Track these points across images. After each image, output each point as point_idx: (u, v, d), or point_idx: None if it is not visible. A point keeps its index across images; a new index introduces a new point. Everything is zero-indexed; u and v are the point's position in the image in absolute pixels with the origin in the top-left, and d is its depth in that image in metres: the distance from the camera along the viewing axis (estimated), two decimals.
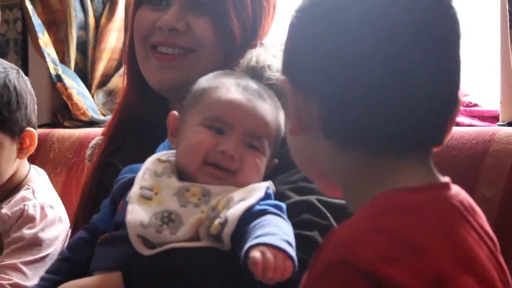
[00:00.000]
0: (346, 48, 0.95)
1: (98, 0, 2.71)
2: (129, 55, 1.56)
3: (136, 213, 1.27)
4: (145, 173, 1.32)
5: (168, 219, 1.25)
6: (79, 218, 1.59)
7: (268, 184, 1.29)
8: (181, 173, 1.31)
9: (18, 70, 1.93)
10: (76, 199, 1.74)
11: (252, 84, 1.33)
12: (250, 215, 1.22)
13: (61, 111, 2.65)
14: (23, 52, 2.91)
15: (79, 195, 1.65)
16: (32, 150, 1.92)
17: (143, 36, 1.50)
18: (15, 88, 1.85)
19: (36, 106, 1.95)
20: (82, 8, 2.69)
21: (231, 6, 1.46)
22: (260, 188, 1.27)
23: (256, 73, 1.36)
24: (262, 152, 1.31)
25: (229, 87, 1.33)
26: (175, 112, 1.37)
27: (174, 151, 1.36)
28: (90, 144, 1.72)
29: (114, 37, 2.67)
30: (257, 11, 1.49)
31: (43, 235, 1.84)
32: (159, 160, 1.34)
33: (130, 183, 1.33)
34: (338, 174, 1.01)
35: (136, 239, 1.25)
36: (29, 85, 1.93)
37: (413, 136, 0.96)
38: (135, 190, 1.29)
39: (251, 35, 1.47)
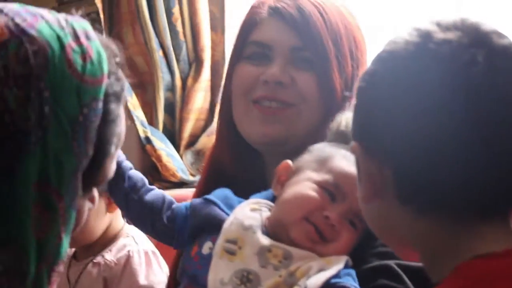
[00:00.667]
0: (423, 113, 0.92)
1: (184, 62, 2.74)
2: (224, 109, 1.56)
3: (218, 269, 1.26)
4: (232, 223, 1.31)
5: (246, 279, 1.24)
6: (173, 276, 1.58)
7: (348, 258, 1.27)
8: (274, 224, 1.30)
9: None
10: (169, 261, 1.76)
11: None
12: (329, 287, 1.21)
13: (151, 173, 2.67)
14: None
15: (173, 259, 1.65)
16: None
17: (245, 90, 1.49)
18: None
19: None
20: (168, 70, 2.74)
21: (334, 62, 1.45)
22: (340, 260, 1.25)
23: (346, 137, 1.35)
24: (358, 231, 1.29)
25: (350, 162, 1.32)
26: (290, 162, 1.36)
27: (267, 201, 1.35)
28: None
29: (201, 98, 2.70)
30: (355, 68, 1.49)
31: (150, 283, 1.89)
32: (251, 208, 1.33)
33: (214, 225, 1.33)
34: (416, 241, 0.97)
35: None
36: None
37: (494, 199, 0.93)
38: (220, 243, 1.29)
39: (350, 91, 1.46)
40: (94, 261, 1.96)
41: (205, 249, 1.33)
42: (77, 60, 0.88)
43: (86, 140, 0.89)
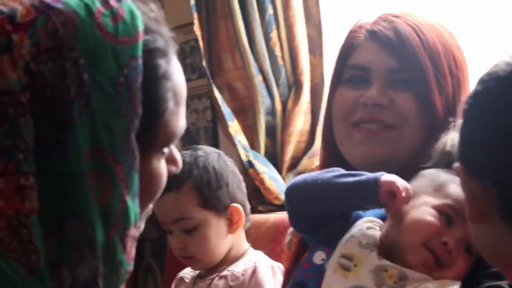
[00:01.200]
0: None
1: (284, 85, 2.77)
2: (326, 132, 1.58)
3: (332, 284, 1.27)
4: (349, 240, 1.31)
5: None
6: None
7: (460, 283, 1.25)
8: (388, 246, 1.29)
9: (219, 153, 2.08)
10: None
11: None
12: None
13: (254, 196, 2.70)
14: (213, 140, 3.01)
15: (283, 280, 1.67)
16: (241, 224, 2.02)
17: (345, 114, 1.51)
18: (214, 169, 1.99)
19: (242, 184, 2.06)
20: (268, 94, 2.76)
21: (433, 81, 1.45)
22: (455, 284, 1.24)
23: (452, 158, 1.34)
24: (473, 258, 1.28)
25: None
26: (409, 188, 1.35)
27: (379, 221, 1.35)
28: (289, 231, 1.73)
29: (301, 120, 2.71)
30: (455, 86, 1.48)
31: None
32: (367, 227, 1.33)
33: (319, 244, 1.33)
34: None
35: None
36: (231, 166, 2.06)
37: None
38: (335, 258, 1.29)
39: (452, 111, 1.45)
40: (220, 275, 2.00)
41: (317, 259, 1.35)
42: (108, 23, 0.88)
43: (132, 100, 0.88)
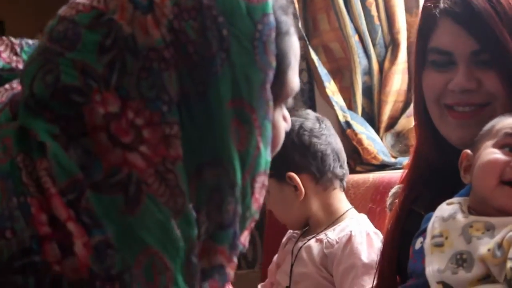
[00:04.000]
0: None
1: (381, 45, 2.75)
2: (419, 111, 1.58)
3: (433, 262, 1.28)
4: (434, 221, 1.33)
5: (461, 260, 1.24)
6: (383, 265, 1.61)
7: None
8: (477, 205, 1.30)
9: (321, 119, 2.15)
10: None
11: None
12: None
13: (352, 157, 2.71)
14: (310, 101, 3.02)
15: (382, 242, 1.68)
16: (302, 191, 2.06)
17: (436, 98, 1.51)
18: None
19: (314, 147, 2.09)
20: (365, 54, 2.76)
21: None
22: None
23: None
24: None
25: None
26: (468, 150, 1.37)
27: (465, 196, 1.35)
28: (390, 193, 1.74)
29: (398, 80, 2.70)
30: None
31: (371, 261, 1.93)
32: (447, 204, 1.34)
33: (420, 233, 1.35)
34: None
35: (436, 286, 1.26)
36: (332, 130, 2.13)
37: None
38: (428, 241, 1.31)
39: None
40: (317, 237, 2.05)
41: (417, 245, 1.37)
42: None
43: (267, 53, 0.93)
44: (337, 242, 2.00)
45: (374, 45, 2.75)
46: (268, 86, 0.94)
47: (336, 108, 2.71)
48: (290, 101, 1.03)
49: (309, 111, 2.18)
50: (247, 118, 0.92)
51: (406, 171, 1.66)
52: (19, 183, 0.86)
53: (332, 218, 2.07)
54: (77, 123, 0.88)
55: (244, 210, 0.94)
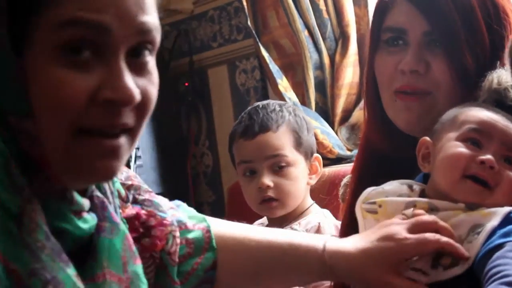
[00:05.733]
0: None
1: (331, 39, 2.76)
2: (370, 95, 1.58)
3: (366, 227, 1.31)
4: (375, 189, 1.35)
5: None
6: None
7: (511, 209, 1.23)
8: (434, 193, 1.30)
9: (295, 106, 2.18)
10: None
11: (499, 111, 1.31)
12: (486, 249, 1.17)
13: None
14: (264, 98, 3.02)
15: (339, 234, 1.67)
16: (317, 177, 2.08)
17: (386, 82, 1.51)
18: (302, 117, 2.10)
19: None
20: (315, 49, 2.76)
21: (464, 44, 1.43)
22: (497, 214, 1.22)
23: (499, 95, 1.33)
24: None
25: (481, 109, 1.31)
26: (427, 138, 1.36)
27: (419, 183, 1.35)
28: (342, 183, 1.74)
29: (350, 73, 2.71)
30: (496, 41, 1.45)
31: None
32: (399, 182, 1.34)
33: None
34: None
35: None
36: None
37: None
38: (359, 204, 1.34)
39: (489, 67, 1.43)
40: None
41: None
42: None
43: None
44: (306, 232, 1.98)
45: (324, 39, 2.75)
46: None
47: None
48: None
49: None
50: None
51: (355, 160, 1.66)
52: None
53: (297, 212, 2.06)
54: None
55: None
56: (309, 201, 2.09)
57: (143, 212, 1.20)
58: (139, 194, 1.22)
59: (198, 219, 1.31)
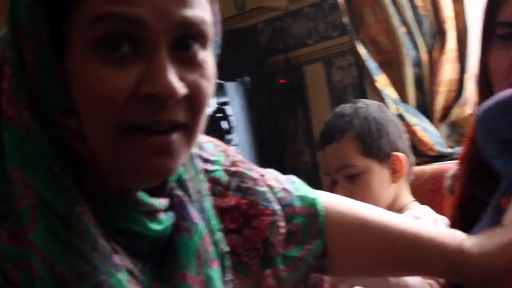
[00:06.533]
0: None
1: (428, 35, 2.75)
2: (482, 92, 1.57)
3: None
4: None
5: None
6: None
7: None
8: None
9: (379, 105, 2.12)
10: None
11: None
12: None
13: None
14: (361, 95, 3.03)
15: (449, 227, 1.68)
16: (404, 173, 2.04)
17: (502, 77, 1.50)
18: (374, 118, 2.03)
19: (404, 134, 2.10)
20: (413, 45, 2.75)
21: None
22: None
23: None
24: None
25: None
26: None
27: None
28: (448, 175, 1.73)
29: (448, 69, 2.69)
30: None
31: None
32: None
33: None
34: None
35: None
36: (391, 116, 2.10)
37: None
38: None
39: None
40: None
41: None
42: None
43: None
44: None
45: (421, 35, 2.74)
46: None
47: (388, 101, 2.71)
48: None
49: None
50: None
51: (462, 159, 1.65)
52: None
53: (400, 206, 2.04)
54: None
55: None
56: (406, 199, 2.07)
57: (243, 201, 1.14)
58: (243, 182, 1.15)
59: (309, 202, 1.21)
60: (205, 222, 1.05)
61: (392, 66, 2.82)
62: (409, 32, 2.75)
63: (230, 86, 3.22)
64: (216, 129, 3.04)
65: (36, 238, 0.86)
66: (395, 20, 2.75)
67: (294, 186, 1.21)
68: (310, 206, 1.21)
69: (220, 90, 3.19)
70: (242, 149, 3.18)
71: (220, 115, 3.11)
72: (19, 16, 0.89)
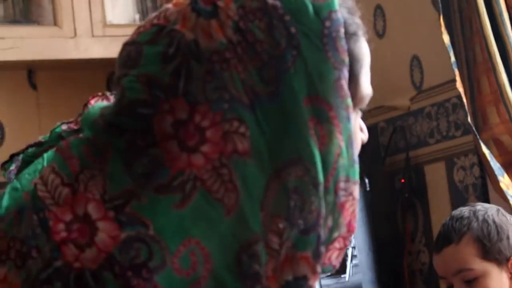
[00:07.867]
0: None
1: None
2: None
3: None
4: None
5: None
6: None
7: None
8: None
9: (498, 208, 2.09)
10: None
11: None
12: None
13: None
14: (483, 196, 2.95)
15: None
16: None
17: None
18: (494, 221, 2.01)
19: None
20: None
21: None
22: None
23: None
24: None
25: None
26: None
27: None
28: None
29: None
30: None
31: None
32: None
33: None
34: None
35: None
36: (511, 220, 2.07)
37: None
38: None
39: None
40: None
41: None
42: None
43: (337, 49, 0.91)
44: None
45: None
46: (344, 83, 0.91)
47: None
48: (364, 106, 0.99)
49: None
50: (325, 115, 0.90)
51: None
52: (36, 198, 0.89)
53: None
54: (145, 135, 0.88)
55: (328, 214, 0.90)
56: None
57: None
58: None
59: None
60: None
61: None
62: None
63: None
64: None
65: None
66: None
67: None
68: None
69: None
70: (359, 250, 3.14)
71: None
72: None
